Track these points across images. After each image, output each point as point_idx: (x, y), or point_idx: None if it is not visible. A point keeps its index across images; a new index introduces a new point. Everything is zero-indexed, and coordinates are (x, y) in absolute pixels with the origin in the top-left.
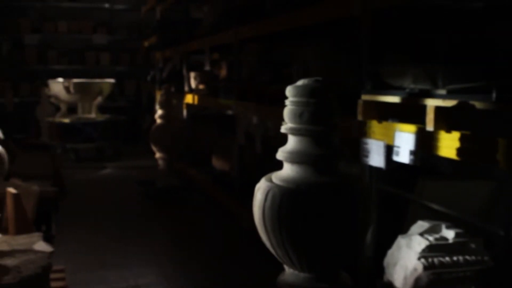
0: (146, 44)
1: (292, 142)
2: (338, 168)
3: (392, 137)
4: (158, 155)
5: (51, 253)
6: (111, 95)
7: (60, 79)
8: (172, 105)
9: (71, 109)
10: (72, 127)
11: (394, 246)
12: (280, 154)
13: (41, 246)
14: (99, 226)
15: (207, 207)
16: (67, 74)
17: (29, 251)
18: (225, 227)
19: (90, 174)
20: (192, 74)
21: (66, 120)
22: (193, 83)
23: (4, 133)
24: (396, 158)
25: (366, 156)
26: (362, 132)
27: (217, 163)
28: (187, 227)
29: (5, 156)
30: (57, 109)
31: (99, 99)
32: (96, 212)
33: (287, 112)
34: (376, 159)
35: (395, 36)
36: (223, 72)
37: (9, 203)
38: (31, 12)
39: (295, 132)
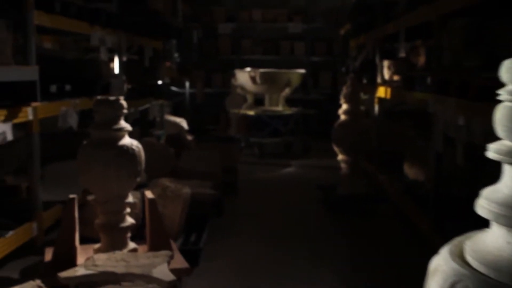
0: (342, 32)
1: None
2: None
3: None
4: (340, 157)
5: (171, 284)
6: (304, 87)
7: (247, 69)
8: (359, 98)
9: (259, 101)
10: (258, 119)
11: None
12: (487, 204)
13: (162, 272)
14: (261, 236)
15: (394, 222)
16: (261, 64)
17: (144, 277)
18: (416, 251)
19: (271, 172)
20: (386, 63)
21: (251, 112)
22: (386, 74)
23: (194, 124)
24: None
25: None
26: None
27: (410, 170)
28: (370, 246)
29: (142, 155)
30: (245, 100)
31: (287, 91)
32: (262, 218)
33: (503, 114)
34: None
35: None
36: (421, 60)
37: (146, 210)
38: (226, 1)
39: None
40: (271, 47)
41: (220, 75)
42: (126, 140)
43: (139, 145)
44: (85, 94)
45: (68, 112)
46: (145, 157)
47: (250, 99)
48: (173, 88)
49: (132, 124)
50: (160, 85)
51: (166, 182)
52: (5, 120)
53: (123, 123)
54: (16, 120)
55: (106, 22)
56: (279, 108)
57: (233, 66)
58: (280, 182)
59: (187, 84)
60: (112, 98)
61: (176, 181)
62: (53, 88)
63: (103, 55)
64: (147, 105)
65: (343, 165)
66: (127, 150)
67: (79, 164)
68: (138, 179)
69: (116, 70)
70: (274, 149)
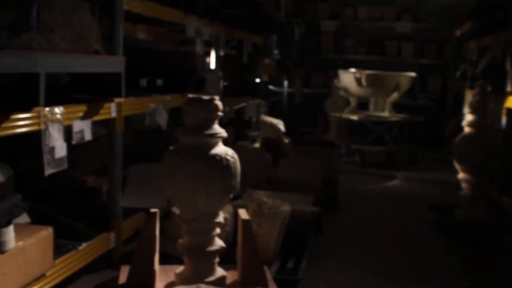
0: (458, 33)
1: None
2: None
3: None
4: (462, 175)
5: None
6: (411, 91)
7: (352, 70)
8: (488, 109)
9: (362, 105)
10: (361, 125)
11: None
12: None
13: None
14: (367, 264)
15: None
16: (364, 65)
17: None
18: None
19: (373, 184)
20: None
21: (354, 117)
22: None
23: (291, 126)
24: None
25: None
26: None
27: None
28: (496, 285)
29: (237, 166)
30: (347, 103)
31: (395, 95)
32: (367, 242)
33: None
34: None
35: None
36: None
37: (239, 231)
38: None
39: None
40: (376, 47)
41: (321, 74)
42: (220, 149)
43: (235, 155)
44: (177, 90)
45: (156, 109)
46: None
47: (353, 102)
48: (271, 87)
49: (226, 124)
50: (258, 83)
51: (262, 196)
52: (83, 117)
53: (217, 128)
54: (97, 117)
55: (203, 11)
56: (385, 114)
57: (334, 66)
58: (384, 197)
59: (285, 83)
60: (206, 97)
61: (273, 195)
62: (143, 82)
63: (199, 48)
64: (243, 104)
65: (464, 185)
66: (220, 160)
67: (164, 174)
68: (231, 195)
69: (213, 65)
70: (376, 158)
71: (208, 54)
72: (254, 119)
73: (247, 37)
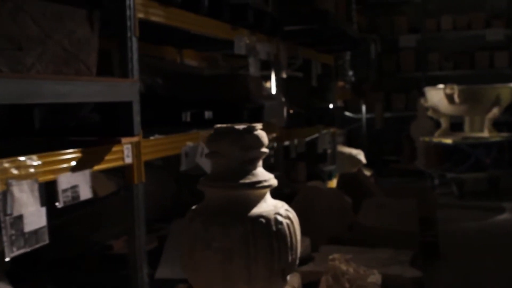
0: None
1: None
2: None
3: None
4: None
5: None
6: (510, 107)
7: (441, 86)
8: None
9: (454, 126)
10: (456, 149)
11: None
12: None
13: None
14: None
15: None
16: (451, 81)
17: None
18: None
19: (478, 220)
20: None
21: (448, 140)
22: None
23: (372, 155)
24: None
25: None
26: None
27: None
28: None
29: (296, 232)
30: (437, 125)
31: (495, 111)
32: None
33: None
34: None
35: None
36: None
37: None
38: (409, 8)
39: None
40: (464, 60)
41: (402, 96)
42: (267, 205)
43: (292, 213)
44: (227, 122)
45: (197, 149)
46: (312, 212)
47: (444, 123)
48: (347, 113)
49: (296, 159)
50: (331, 109)
51: (340, 263)
52: (76, 168)
53: (261, 173)
54: (101, 166)
55: (257, 24)
56: (484, 134)
57: (417, 85)
58: (494, 237)
59: (363, 107)
60: (240, 126)
61: (355, 256)
62: (187, 116)
63: (253, 69)
64: (315, 135)
65: None
66: (266, 225)
67: (183, 247)
68: (288, 277)
69: (273, 90)
70: (477, 187)
71: (268, 78)
72: (329, 151)
73: (315, 56)
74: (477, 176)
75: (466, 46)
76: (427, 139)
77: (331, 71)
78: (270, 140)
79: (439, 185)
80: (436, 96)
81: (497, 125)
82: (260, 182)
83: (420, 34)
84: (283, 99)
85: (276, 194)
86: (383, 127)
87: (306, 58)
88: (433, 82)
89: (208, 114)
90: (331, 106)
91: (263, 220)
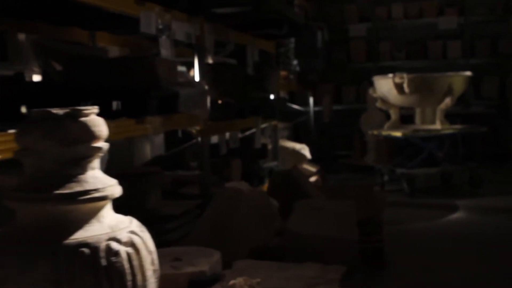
0: None
1: None
2: None
3: None
4: None
5: None
6: (461, 98)
7: (390, 75)
8: None
9: (407, 118)
10: (407, 143)
11: None
12: None
13: None
14: None
15: None
16: (404, 71)
17: None
18: None
19: (428, 219)
20: None
21: (398, 133)
22: None
23: (322, 151)
24: None
25: None
26: None
27: None
28: None
29: (145, 266)
30: (388, 117)
31: (447, 102)
32: None
33: None
34: None
35: None
36: None
37: None
38: None
39: None
40: (416, 49)
41: (353, 88)
42: (101, 228)
43: (142, 237)
44: (132, 113)
45: None
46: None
47: (394, 115)
48: (295, 106)
49: (230, 155)
50: (272, 100)
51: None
52: None
53: (94, 179)
54: None
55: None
56: (437, 126)
57: (368, 76)
58: (446, 239)
59: (311, 100)
60: (61, 111)
61: (274, 279)
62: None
63: (165, 51)
64: (253, 130)
65: None
66: (91, 258)
67: None
68: None
69: (196, 77)
70: (429, 183)
71: (192, 66)
72: (270, 147)
73: (251, 42)
74: (429, 172)
75: (419, 35)
76: (376, 132)
77: (272, 59)
78: (193, 134)
79: (389, 181)
80: (385, 85)
81: (450, 117)
82: (87, 192)
83: (371, 22)
84: (206, 88)
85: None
86: (332, 121)
87: (240, 43)
88: (385, 73)
89: (117, 104)
90: (272, 97)
91: (86, 250)
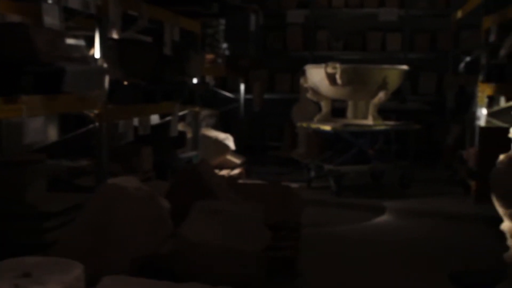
0: (459, 15)
1: None
2: None
3: None
4: (503, 211)
5: None
6: (398, 92)
7: (322, 64)
8: None
9: (339, 111)
10: (336, 138)
11: None
12: None
13: None
14: None
15: None
16: (341, 63)
17: None
18: None
19: (354, 223)
20: None
21: (327, 127)
22: None
23: (251, 141)
24: None
25: None
26: None
27: None
28: None
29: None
30: (319, 109)
31: (381, 96)
32: None
33: None
34: None
35: None
36: None
37: None
38: None
39: None
40: (355, 40)
41: (287, 76)
42: None
43: None
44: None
45: None
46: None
47: (325, 107)
48: (221, 92)
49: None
50: (194, 85)
51: None
52: None
53: None
54: None
55: None
56: (368, 121)
57: (304, 65)
58: (370, 246)
59: (242, 87)
60: None
61: None
62: None
63: (50, 19)
64: (169, 117)
65: (508, 227)
66: None
67: None
68: None
69: (97, 53)
70: (358, 181)
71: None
72: (190, 135)
73: (170, 19)
74: (358, 169)
75: (358, 25)
76: (305, 125)
77: (197, 40)
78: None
79: (316, 178)
80: (317, 75)
81: (385, 112)
82: None
83: (309, 9)
84: (105, 65)
85: None
86: (264, 110)
87: (157, 19)
88: (322, 63)
89: None
90: (194, 81)
91: None
